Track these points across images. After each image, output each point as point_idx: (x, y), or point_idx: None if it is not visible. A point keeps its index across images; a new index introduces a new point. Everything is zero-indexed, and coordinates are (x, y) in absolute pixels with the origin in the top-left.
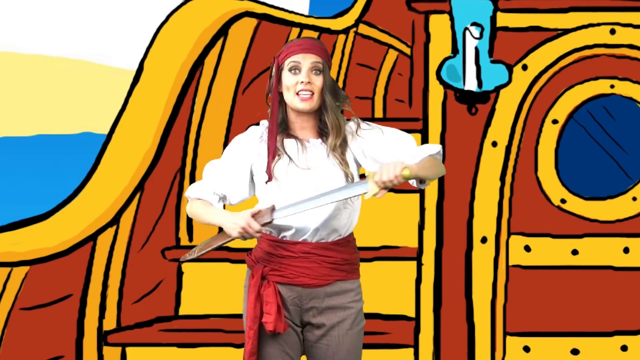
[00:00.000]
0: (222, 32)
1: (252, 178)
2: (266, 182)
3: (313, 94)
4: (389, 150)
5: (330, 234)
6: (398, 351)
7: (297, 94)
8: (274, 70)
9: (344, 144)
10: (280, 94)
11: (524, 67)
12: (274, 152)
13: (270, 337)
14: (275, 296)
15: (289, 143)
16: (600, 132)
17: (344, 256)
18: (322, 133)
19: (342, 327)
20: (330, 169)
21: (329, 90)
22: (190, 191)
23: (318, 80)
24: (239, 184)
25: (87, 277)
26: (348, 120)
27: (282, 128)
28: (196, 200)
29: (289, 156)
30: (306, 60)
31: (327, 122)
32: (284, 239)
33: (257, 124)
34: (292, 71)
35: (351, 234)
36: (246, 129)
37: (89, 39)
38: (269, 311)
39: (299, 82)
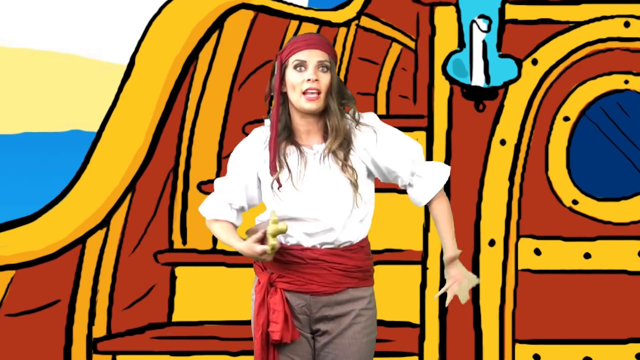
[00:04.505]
0: (217, 25)
1: (259, 184)
2: (277, 189)
3: (320, 93)
4: (397, 164)
5: (341, 241)
6: (402, 359)
7: (304, 93)
8: (276, 68)
9: (346, 148)
10: (284, 95)
11: (534, 62)
12: (274, 165)
13: (279, 346)
14: (283, 304)
15: (291, 151)
16: (613, 129)
17: (355, 263)
18: (327, 137)
19: (349, 335)
20: (330, 180)
21: (334, 90)
22: (205, 210)
23: (325, 79)
24: (251, 194)
25: (76, 282)
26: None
27: (286, 133)
28: (214, 223)
29: (289, 169)
30: (313, 58)
31: (328, 125)
32: (292, 245)
33: (262, 120)
34: (298, 68)
35: (364, 240)
36: (242, 128)
37: (78, 32)
38: (276, 320)
39: (305, 80)
